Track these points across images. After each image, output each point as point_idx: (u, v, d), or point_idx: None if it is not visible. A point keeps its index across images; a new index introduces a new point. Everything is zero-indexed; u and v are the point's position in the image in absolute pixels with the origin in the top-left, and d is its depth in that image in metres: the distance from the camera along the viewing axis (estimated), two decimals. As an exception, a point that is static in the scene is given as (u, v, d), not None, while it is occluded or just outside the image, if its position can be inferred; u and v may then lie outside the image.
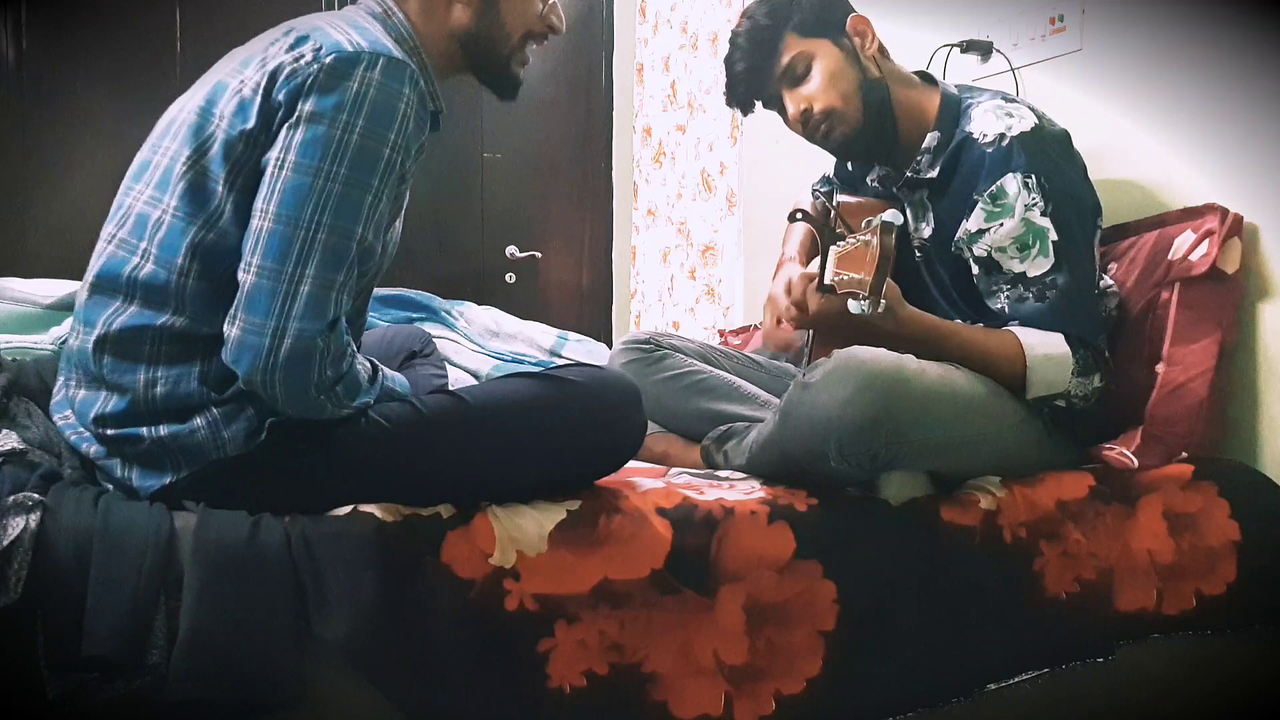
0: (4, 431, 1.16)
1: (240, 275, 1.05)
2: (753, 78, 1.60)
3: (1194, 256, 1.52)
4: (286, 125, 1.05)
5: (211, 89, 1.13)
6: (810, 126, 1.58)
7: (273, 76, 1.07)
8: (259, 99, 1.07)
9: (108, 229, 1.14)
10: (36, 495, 0.99)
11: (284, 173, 1.04)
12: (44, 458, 1.12)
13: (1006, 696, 1.27)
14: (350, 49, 1.07)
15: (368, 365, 1.18)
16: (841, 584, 1.20)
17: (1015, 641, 1.28)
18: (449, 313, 2.53)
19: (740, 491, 1.26)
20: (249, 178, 1.07)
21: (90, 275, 1.13)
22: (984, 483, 1.35)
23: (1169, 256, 1.56)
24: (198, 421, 1.08)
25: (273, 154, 1.05)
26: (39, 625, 0.91)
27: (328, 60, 1.06)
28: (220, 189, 1.08)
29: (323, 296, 1.04)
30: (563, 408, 1.17)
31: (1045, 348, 1.39)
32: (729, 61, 1.62)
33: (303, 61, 1.07)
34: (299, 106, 1.05)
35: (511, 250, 3.38)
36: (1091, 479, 1.40)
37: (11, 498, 0.98)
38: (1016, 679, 1.28)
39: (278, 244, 1.03)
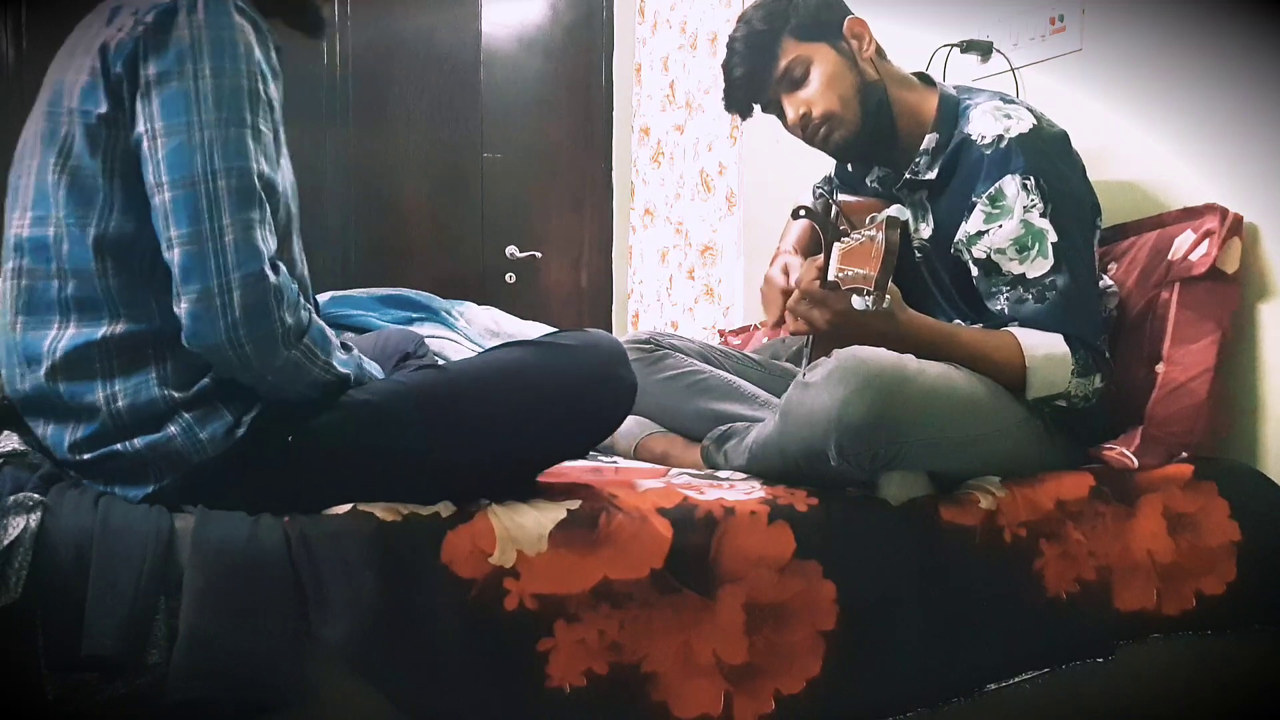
0: (5, 433, 1.16)
1: (166, 256, 1.03)
2: (751, 83, 1.60)
3: (1194, 256, 1.52)
4: (139, 97, 1.04)
5: (51, 92, 1.11)
6: (809, 130, 1.58)
7: (103, 53, 1.06)
8: (100, 80, 1.06)
9: (8, 266, 1.12)
10: (37, 495, 1.00)
11: (158, 141, 1.03)
12: (44, 459, 1.12)
13: (1006, 696, 1.27)
14: (167, 1, 1.05)
15: (336, 337, 1.16)
16: (841, 584, 1.20)
17: (1015, 641, 1.28)
18: (449, 313, 2.52)
19: (740, 491, 1.26)
20: (125, 161, 1.06)
21: (10, 314, 1.10)
22: (984, 483, 1.35)
23: (1169, 256, 1.56)
24: (172, 429, 1.06)
25: (139, 129, 1.04)
26: (39, 625, 0.91)
27: (149, 19, 1.04)
28: (101, 181, 1.06)
29: (248, 238, 1.03)
30: (551, 371, 1.17)
31: (1045, 348, 1.39)
32: (726, 67, 1.62)
33: (126, 29, 1.05)
34: (141, 74, 1.04)
35: (511, 250, 3.38)
36: (1091, 479, 1.40)
37: (12, 498, 0.98)
38: (1016, 679, 1.28)
39: (184, 208, 1.02)
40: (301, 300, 1.08)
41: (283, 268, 1.07)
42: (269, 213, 1.07)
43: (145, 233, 1.05)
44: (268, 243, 1.05)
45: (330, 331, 1.14)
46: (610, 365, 1.21)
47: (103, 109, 1.05)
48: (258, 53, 1.08)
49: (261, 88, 1.08)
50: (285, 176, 1.16)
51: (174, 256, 1.02)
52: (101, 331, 1.07)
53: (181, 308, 1.03)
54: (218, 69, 1.04)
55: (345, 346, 1.17)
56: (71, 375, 1.07)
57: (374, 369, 1.22)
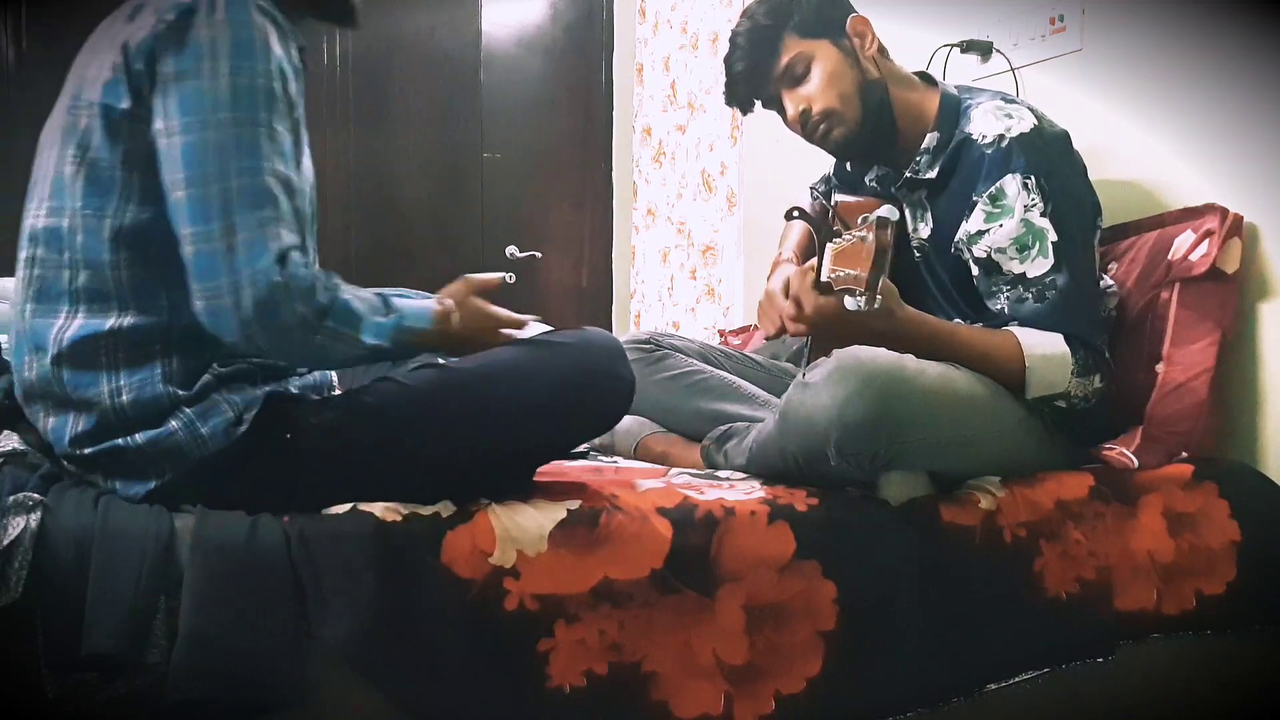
0: (5, 433, 1.16)
1: (182, 252, 1.05)
2: (752, 78, 1.60)
3: (1194, 256, 1.52)
4: (156, 94, 1.05)
5: (75, 88, 1.12)
6: (809, 127, 1.58)
7: (124, 50, 1.06)
8: (122, 75, 1.07)
9: (23, 255, 1.13)
10: (37, 495, 1.00)
11: (173, 139, 1.04)
12: (44, 459, 1.12)
13: (1006, 696, 1.27)
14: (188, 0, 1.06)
15: (372, 298, 1.16)
16: (841, 584, 1.20)
17: (1015, 641, 1.28)
18: (449, 313, 2.52)
19: (740, 491, 1.26)
20: (146, 156, 1.07)
21: (22, 302, 1.12)
22: (984, 483, 1.35)
23: (1169, 256, 1.56)
24: (173, 424, 1.07)
25: (156, 126, 1.05)
26: (39, 625, 0.91)
27: (170, 17, 1.05)
28: (119, 174, 1.08)
29: (260, 236, 1.04)
30: (550, 369, 1.17)
31: (1044, 348, 1.39)
32: (729, 61, 1.62)
33: (147, 27, 1.06)
34: (159, 70, 1.05)
35: (511, 250, 3.38)
36: (1091, 479, 1.40)
37: (12, 497, 0.98)
38: (1016, 679, 1.28)
39: (198, 207, 1.03)
40: (320, 284, 1.08)
41: (295, 257, 1.07)
42: (283, 209, 1.07)
43: (161, 223, 1.06)
44: (281, 239, 1.06)
45: (359, 303, 1.12)
46: (607, 362, 1.21)
47: (125, 104, 1.07)
48: (278, 51, 1.09)
49: (279, 87, 1.08)
50: (306, 176, 1.17)
51: (188, 254, 1.04)
52: (109, 323, 1.08)
53: (197, 305, 1.05)
54: (235, 68, 1.05)
55: (387, 306, 1.16)
56: (76, 365, 1.07)
57: (418, 309, 1.20)
